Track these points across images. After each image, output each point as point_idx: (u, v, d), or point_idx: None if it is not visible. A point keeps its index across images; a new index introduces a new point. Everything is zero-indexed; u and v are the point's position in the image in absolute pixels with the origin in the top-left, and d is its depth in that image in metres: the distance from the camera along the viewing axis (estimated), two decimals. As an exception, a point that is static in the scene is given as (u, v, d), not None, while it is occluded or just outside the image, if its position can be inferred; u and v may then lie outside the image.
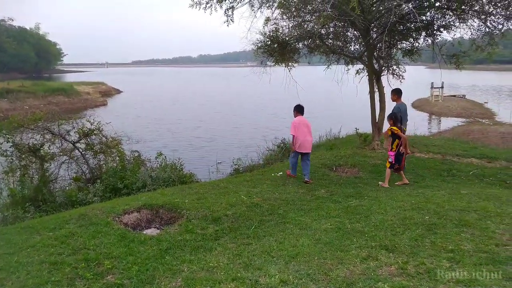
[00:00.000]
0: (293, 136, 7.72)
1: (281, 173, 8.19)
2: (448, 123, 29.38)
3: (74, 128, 10.21)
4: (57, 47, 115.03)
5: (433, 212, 5.08)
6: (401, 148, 7.15)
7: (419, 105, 37.84)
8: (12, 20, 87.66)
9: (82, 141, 10.19)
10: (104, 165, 10.34)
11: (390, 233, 4.39)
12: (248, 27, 11.19)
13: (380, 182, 7.30)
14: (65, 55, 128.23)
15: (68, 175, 10.23)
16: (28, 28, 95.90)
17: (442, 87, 39.50)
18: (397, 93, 8.89)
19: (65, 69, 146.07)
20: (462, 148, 11.43)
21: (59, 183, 10.35)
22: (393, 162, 7.22)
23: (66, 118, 10.92)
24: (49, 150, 9.77)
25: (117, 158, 10.29)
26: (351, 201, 5.97)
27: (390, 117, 7.35)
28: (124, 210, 5.46)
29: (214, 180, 9.01)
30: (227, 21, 10.94)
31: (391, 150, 7.30)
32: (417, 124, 23.27)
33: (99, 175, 9.69)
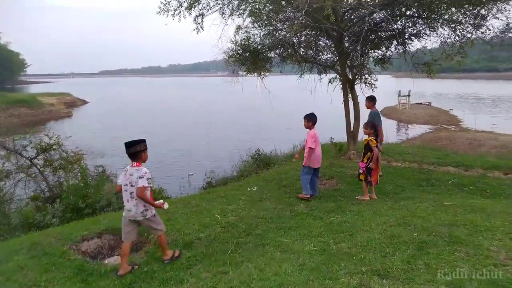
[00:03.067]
0: (311, 149, 6.86)
1: (257, 187, 7.75)
2: (416, 130, 29.96)
3: (31, 143, 9.42)
4: (20, 57, 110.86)
5: (421, 227, 4.78)
6: (370, 163, 6.75)
7: (387, 113, 38.50)
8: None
9: (40, 156, 9.40)
10: (65, 182, 9.58)
11: (380, 254, 4.03)
12: (219, 35, 10.77)
13: (358, 197, 6.98)
14: (28, 65, 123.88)
15: (26, 194, 9.41)
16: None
17: (409, 95, 40.47)
18: (371, 100, 8.96)
19: (29, 80, 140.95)
20: (436, 156, 11.39)
21: (16, 203, 9.51)
22: (364, 173, 6.82)
23: (23, 132, 10.10)
24: (3, 167, 8.95)
25: (79, 174, 9.54)
26: (333, 217, 5.60)
27: (368, 125, 6.99)
28: (83, 236, 4.86)
29: (185, 196, 8.46)
30: (196, 29, 10.50)
31: (361, 161, 6.95)
32: (387, 132, 23.52)
33: (60, 193, 8.94)
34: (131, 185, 4.03)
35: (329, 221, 5.42)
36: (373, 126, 6.93)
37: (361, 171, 6.88)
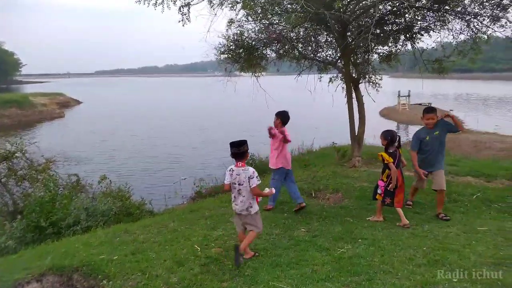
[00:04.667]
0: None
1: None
2: (418, 131, 28.86)
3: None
4: (15, 57, 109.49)
5: (458, 268, 3.66)
6: (390, 185, 5.36)
7: (386, 113, 37.56)
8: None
9: (3, 165, 8.22)
10: (33, 194, 8.40)
11: (415, 317, 2.90)
12: (208, 28, 9.65)
13: (369, 218, 5.69)
14: (23, 65, 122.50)
15: (-15, 208, 8.23)
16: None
17: (408, 96, 39.49)
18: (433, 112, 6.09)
19: (24, 80, 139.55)
20: (447, 162, 10.28)
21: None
22: (382, 194, 5.49)
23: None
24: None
25: (50, 184, 8.33)
26: (343, 248, 4.46)
27: (385, 136, 5.46)
28: (16, 281, 3.69)
29: (165, 212, 7.33)
30: (182, 20, 9.36)
31: (381, 179, 5.60)
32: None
33: (23, 208, 7.76)
34: (239, 184, 4.27)
35: (337, 254, 4.28)
36: (388, 135, 5.48)
37: (379, 191, 5.54)
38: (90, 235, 5.28)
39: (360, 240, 4.73)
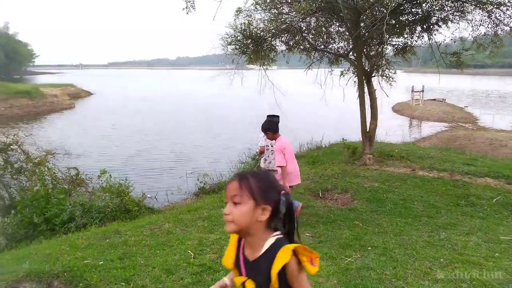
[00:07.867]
0: (284, 167, 4.71)
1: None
2: (431, 128, 28.23)
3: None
4: (29, 47, 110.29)
5: (480, 286, 3.22)
6: None
7: (399, 109, 36.75)
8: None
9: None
10: (29, 188, 8.10)
11: None
12: (213, 16, 9.24)
13: None
14: (36, 56, 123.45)
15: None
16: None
17: (422, 91, 38.53)
18: None
19: (38, 70, 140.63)
20: (463, 161, 9.81)
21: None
22: None
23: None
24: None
25: (46, 178, 8.04)
26: (350, 257, 4.04)
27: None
28: (-13, 289, 3.36)
29: (163, 211, 6.97)
30: (186, 8, 8.93)
31: None
32: (400, 129, 21.88)
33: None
34: (272, 145, 5.32)
35: (344, 264, 3.86)
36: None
37: None
38: (79, 235, 4.95)
39: (370, 248, 4.30)
